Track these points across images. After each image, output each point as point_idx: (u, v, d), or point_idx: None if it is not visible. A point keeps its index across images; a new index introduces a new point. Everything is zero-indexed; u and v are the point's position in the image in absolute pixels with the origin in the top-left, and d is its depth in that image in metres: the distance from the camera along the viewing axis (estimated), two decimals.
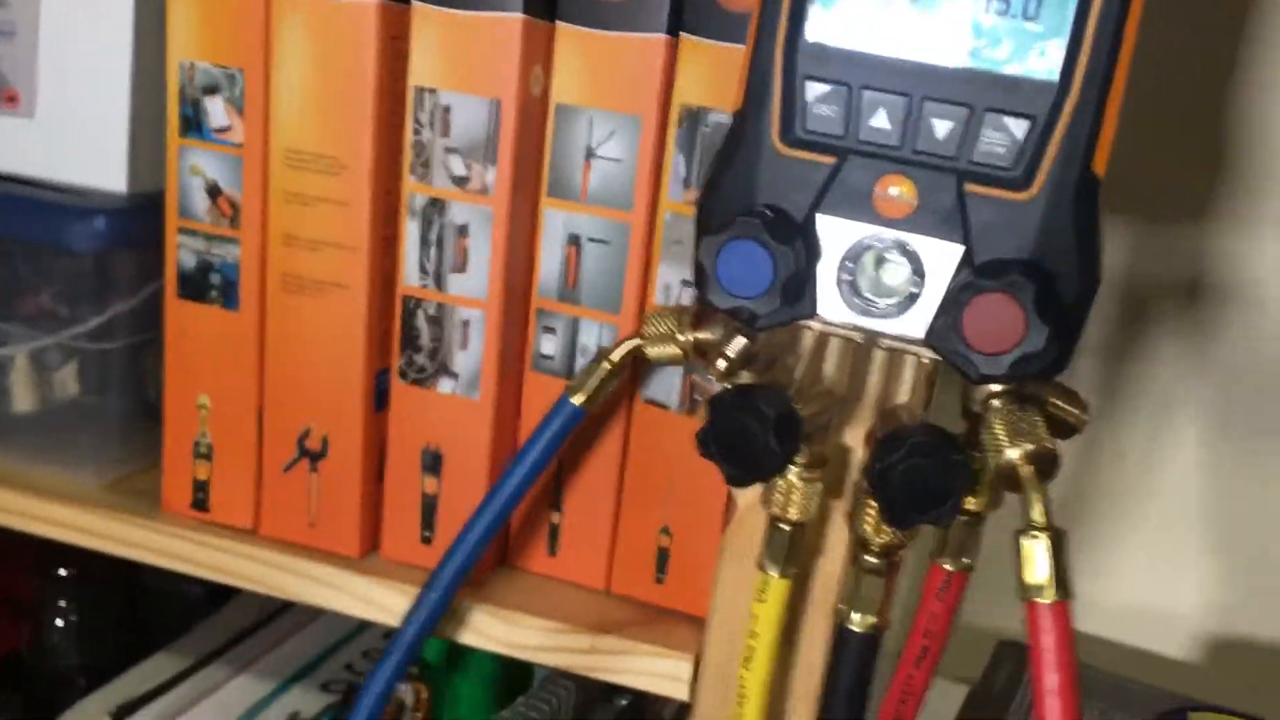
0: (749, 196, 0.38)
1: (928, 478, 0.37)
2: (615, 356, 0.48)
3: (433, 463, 0.55)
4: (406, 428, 0.54)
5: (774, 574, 0.43)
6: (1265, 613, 0.77)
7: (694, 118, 0.50)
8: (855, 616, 0.44)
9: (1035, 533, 0.36)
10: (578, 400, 0.49)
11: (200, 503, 0.58)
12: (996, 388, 0.40)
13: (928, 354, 0.39)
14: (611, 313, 0.53)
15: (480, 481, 0.55)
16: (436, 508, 0.56)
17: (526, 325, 0.54)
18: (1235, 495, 0.74)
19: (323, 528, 0.56)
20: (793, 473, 0.42)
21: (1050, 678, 0.35)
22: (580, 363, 0.54)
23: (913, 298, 0.38)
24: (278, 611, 0.78)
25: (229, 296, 0.55)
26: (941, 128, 0.37)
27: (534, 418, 0.54)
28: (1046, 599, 0.36)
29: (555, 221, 0.53)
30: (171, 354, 0.56)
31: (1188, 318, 0.71)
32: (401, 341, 0.54)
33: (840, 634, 0.44)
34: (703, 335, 0.45)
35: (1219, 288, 0.70)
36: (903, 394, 0.43)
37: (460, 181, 0.52)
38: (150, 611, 0.79)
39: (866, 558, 0.44)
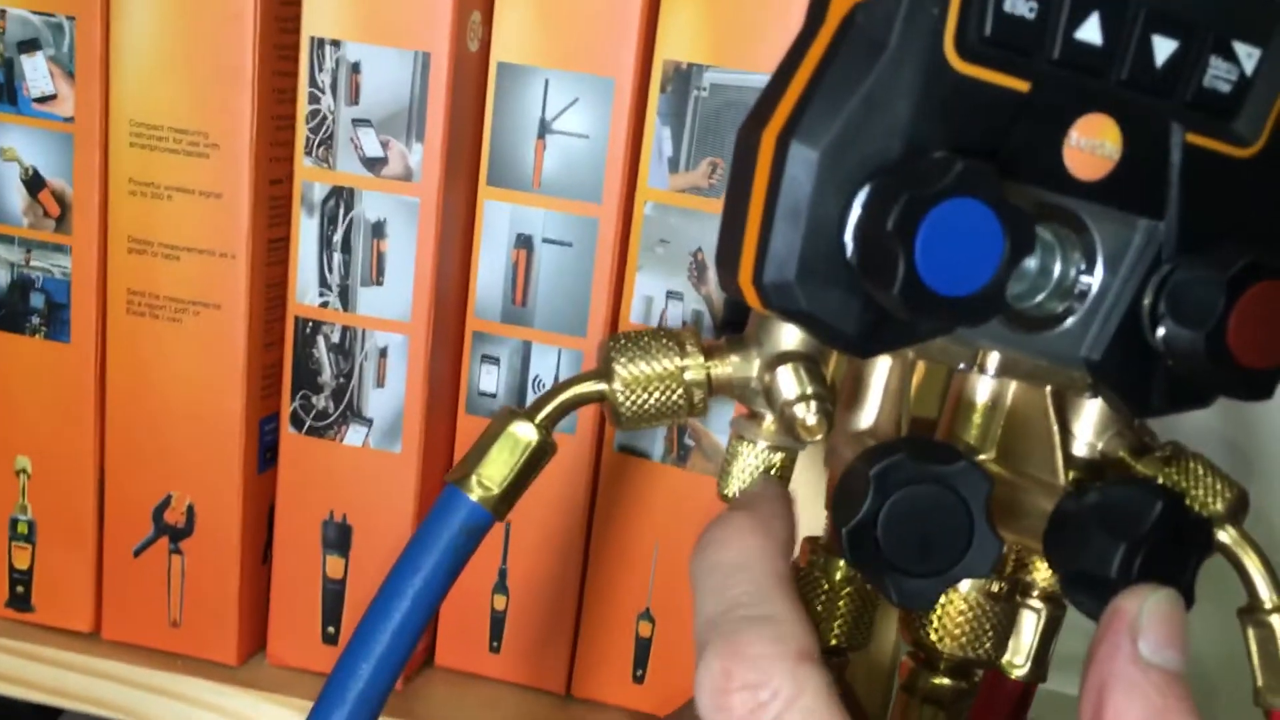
0: (897, 139, 0.26)
1: (1168, 553, 0.27)
2: (542, 415, 0.31)
3: (338, 538, 0.45)
4: (302, 492, 0.45)
5: None
6: None
7: (684, 79, 0.40)
8: None
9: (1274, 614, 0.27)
10: (477, 495, 0.30)
11: (20, 600, 0.48)
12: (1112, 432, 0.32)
13: (1079, 383, 0.30)
14: (574, 335, 0.43)
15: None
16: (343, 597, 0.45)
17: (460, 354, 0.44)
18: None
19: (189, 628, 0.47)
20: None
21: None
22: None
23: (1079, 298, 0.28)
24: None
25: (56, 324, 0.45)
26: (1163, 50, 0.27)
27: None
28: None
29: (498, 217, 0.42)
30: None
31: None
32: (294, 379, 0.44)
33: None
34: (734, 368, 0.32)
35: None
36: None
37: (374, 164, 0.41)
38: None
39: (936, 681, 0.34)
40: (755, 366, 0.30)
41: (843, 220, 0.26)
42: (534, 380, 0.43)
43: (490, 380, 0.43)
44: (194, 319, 0.43)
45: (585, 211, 0.41)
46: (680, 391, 0.31)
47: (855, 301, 0.26)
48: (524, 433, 0.30)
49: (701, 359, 0.31)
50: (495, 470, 0.30)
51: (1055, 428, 0.32)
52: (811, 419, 0.28)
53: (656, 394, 0.31)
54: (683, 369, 0.31)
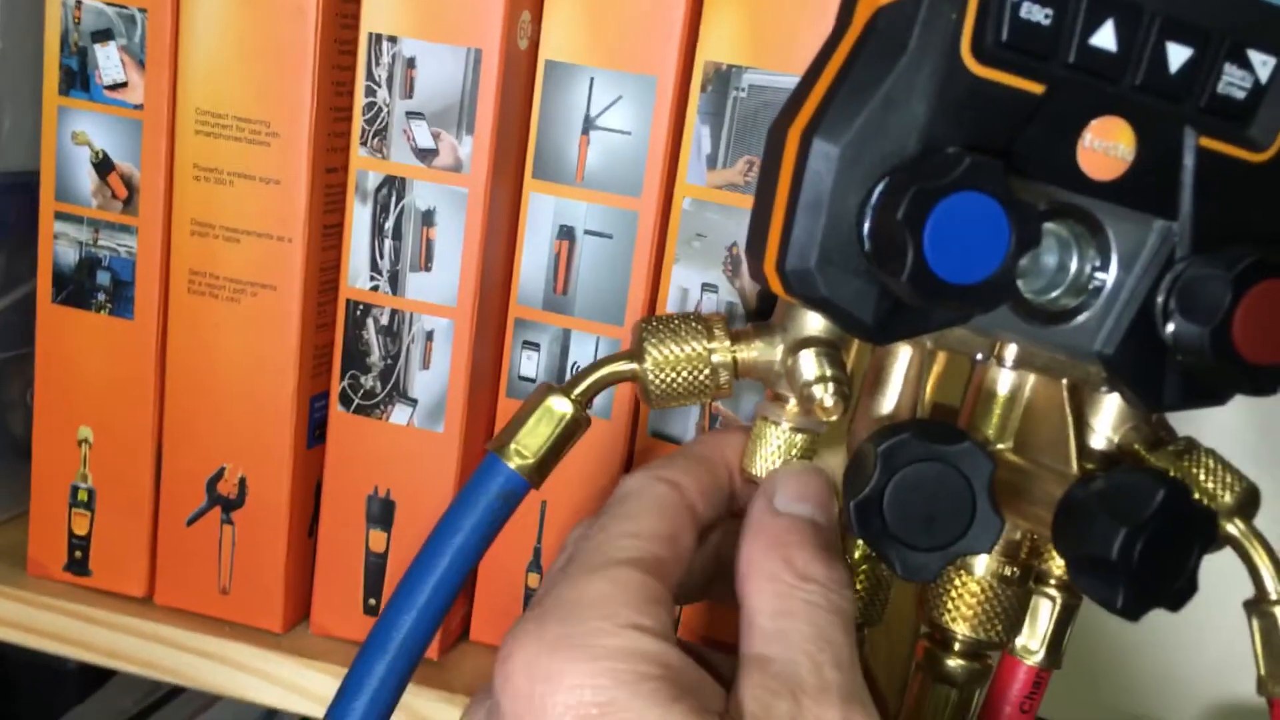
0: (914, 137, 0.27)
1: (1171, 540, 0.28)
2: (578, 391, 0.33)
3: (381, 512, 0.46)
4: (348, 468, 0.46)
5: None
6: None
7: (724, 80, 0.41)
8: None
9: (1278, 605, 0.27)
10: (515, 463, 0.32)
11: (78, 564, 0.49)
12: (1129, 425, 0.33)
13: (1094, 377, 0.30)
14: (612, 324, 0.44)
15: None
16: (384, 570, 0.46)
17: (503, 339, 0.45)
18: None
19: (237, 596, 0.47)
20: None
21: None
22: None
23: (1094, 294, 0.29)
24: (170, 693, 0.69)
25: (121, 301, 0.46)
26: (1177, 57, 0.27)
27: None
28: None
29: (542, 209, 0.43)
30: (44, 375, 0.48)
31: None
32: (344, 359, 0.45)
33: None
34: (759, 352, 0.33)
35: None
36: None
37: (425, 155, 0.43)
38: (8, 690, 0.69)
39: (950, 662, 0.35)
40: (779, 351, 0.32)
41: (861, 213, 0.27)
42: (572, 366, 0.44)
43: (530, 365, 0.45)
44: (251, 299, 0.44)
45: (626, 205, 0.42)
46: (707, 372, 0.32)
47: (872, 290, 0.28)
48: (560, 406, 0.32)
49: (728, 343, 0.32)
50: (532, 440, 0.31)
51: (1070, 420, 0.33)
52: (829, 400, 0.29)
53: (684, 374, 0.32)
54: (710, 351, 0.32)
